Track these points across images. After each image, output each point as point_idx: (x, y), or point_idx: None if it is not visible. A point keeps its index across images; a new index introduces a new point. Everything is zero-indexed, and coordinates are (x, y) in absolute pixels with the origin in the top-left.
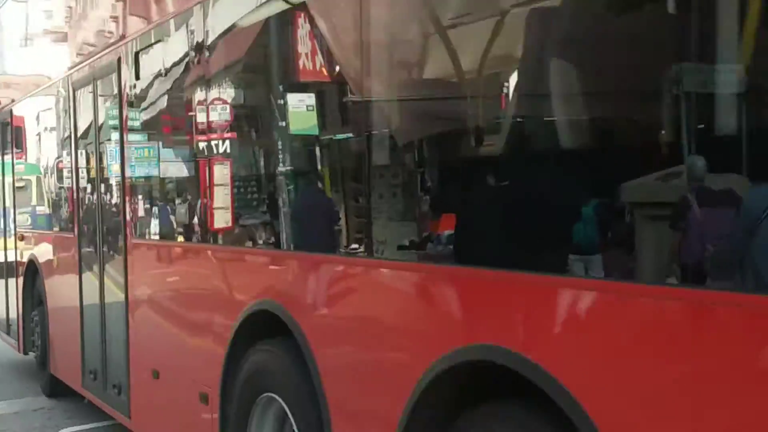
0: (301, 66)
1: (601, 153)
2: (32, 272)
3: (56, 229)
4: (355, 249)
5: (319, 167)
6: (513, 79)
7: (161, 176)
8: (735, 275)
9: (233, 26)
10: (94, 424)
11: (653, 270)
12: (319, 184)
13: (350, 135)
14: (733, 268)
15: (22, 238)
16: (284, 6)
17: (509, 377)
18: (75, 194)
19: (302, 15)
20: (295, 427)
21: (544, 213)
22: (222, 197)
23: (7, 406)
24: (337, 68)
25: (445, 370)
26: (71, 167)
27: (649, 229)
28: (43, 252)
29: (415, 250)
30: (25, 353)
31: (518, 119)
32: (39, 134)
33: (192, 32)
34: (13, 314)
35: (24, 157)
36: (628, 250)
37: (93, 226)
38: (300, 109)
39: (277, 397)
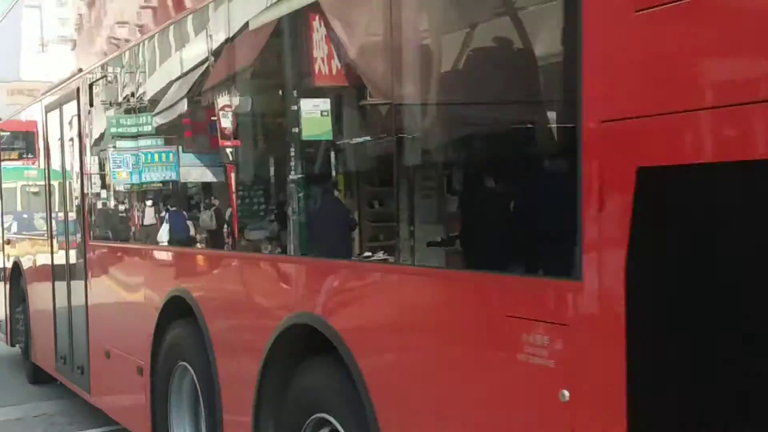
0: (214, 97)
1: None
2: (17, 273)
3: (35, 233)
4: (226, 245)
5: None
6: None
7: (109, 188)
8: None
9: (164, 63)
10: (96, 430)
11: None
12: (203, 199)
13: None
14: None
15: (9, 242)
16: (205, 47)
17: None
18: (48, 202)
19: (224, 53)
20: (195, 380)
21: (326, 219)
22: (150, 205)
23: (9, 413)
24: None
25: (282, 330)
26: (45, 179)
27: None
28: (25, 254)
29: (266, 246)
30: (12, 345)
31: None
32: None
33: (134, 67)
34: (1, 312)
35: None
36: (379, 242)
37: (62, 230)
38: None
39: (186, 363)
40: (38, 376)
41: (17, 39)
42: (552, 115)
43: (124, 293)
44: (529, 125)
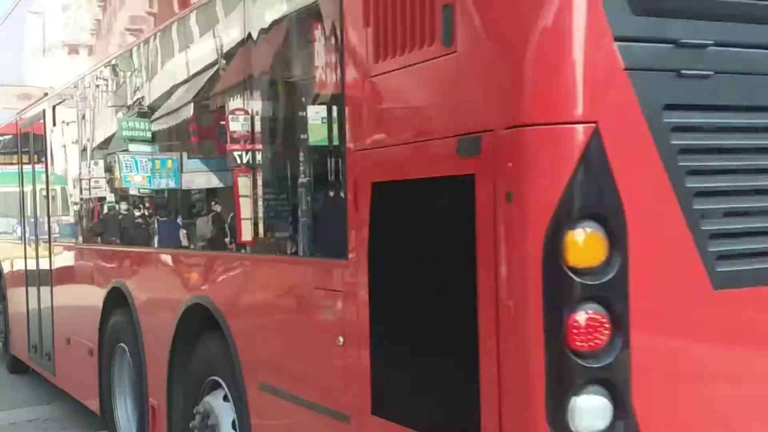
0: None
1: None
2: None
3: (12, 235)
4: (146, 244)
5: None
6: None
7: (68, 195)
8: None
9: (113, 92)
10: None
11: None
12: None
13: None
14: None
15: None
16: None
17: None
18: (21, 207)
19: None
20: (129, 356)
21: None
22: (93, 210)
23: (2, 417)
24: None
25: (184, 311)
26: (20, 187)
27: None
28: (4, 255)
29: (175, 242)
30: None
31: None
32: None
33: (85, 94)
34: None
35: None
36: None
37: (32, 232)
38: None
39: (124, 344)
40: (16, 366)
41: (15, 43)
42: (333, 146)
43: (79, 287)
44: (321, 154)
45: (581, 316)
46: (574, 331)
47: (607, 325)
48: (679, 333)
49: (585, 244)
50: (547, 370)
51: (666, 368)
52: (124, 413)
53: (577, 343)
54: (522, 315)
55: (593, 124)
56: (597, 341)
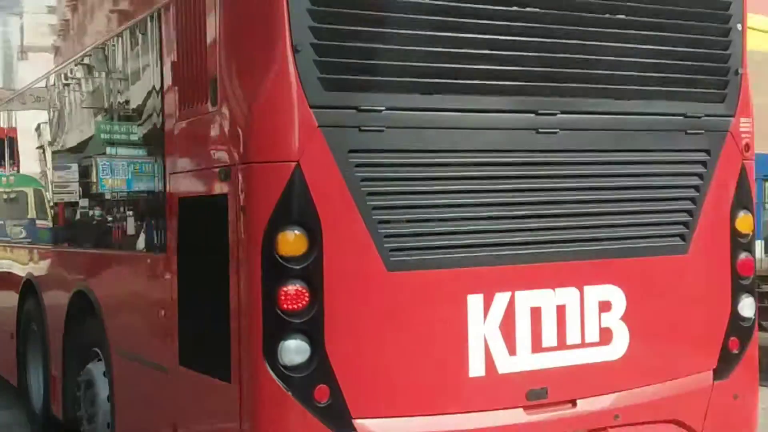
0: None
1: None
2: None
3: None
4: (48, 243)
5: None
6: None
7: None
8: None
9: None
10: None
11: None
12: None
13: None
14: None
15: None
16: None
17: None
18: None
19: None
20: (38, 336)
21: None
22: (12, 213)
23: None
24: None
25: (72, 296)
26: None
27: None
28: None
29: (69, 242)
30: None
31: None
32: None
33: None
34: None
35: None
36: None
37: None
38: None
39: (35, 325)
40: None
41: None
42: (156, 167)
43: (3, 279)
44: (156, 177)
45: (290, 288)
46: (283, 297)
47: (307, 295)
48: (361, 300)
49: (292, 241)
50: (264, 323)
51: (351, 323)
52: (36, 384)
53: (285, 306)
54: (251, 287)
55: (296, 162)
56: (300, 305)
